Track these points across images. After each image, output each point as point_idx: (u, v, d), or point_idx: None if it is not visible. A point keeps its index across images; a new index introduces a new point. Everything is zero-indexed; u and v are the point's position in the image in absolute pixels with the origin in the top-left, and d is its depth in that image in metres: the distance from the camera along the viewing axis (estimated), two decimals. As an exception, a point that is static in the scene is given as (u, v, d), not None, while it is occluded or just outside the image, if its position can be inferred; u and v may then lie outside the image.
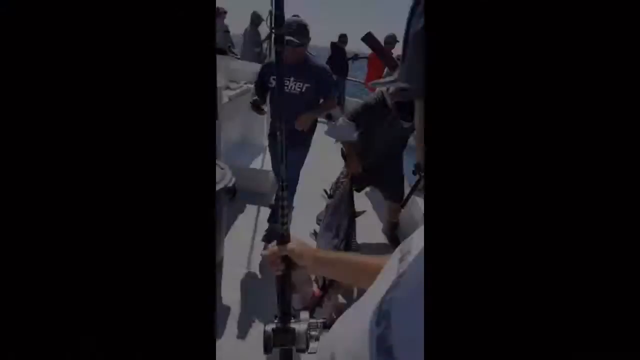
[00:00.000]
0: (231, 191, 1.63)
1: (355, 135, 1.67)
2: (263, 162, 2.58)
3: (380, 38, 3.03)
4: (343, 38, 4.47)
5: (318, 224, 1.84)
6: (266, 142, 3.15)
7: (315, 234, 1.81)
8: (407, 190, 1.95)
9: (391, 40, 3.48)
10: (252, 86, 2.71)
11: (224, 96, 2.26)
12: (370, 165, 1.78)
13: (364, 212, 1.77)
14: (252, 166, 2.52)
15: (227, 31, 5.18)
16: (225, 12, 5.18)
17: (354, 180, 1.66)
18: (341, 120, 1.71)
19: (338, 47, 4.43)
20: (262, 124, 3.23)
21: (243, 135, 2.91)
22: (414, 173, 1.87)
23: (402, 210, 2.03)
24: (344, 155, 1.76)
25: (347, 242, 1.62)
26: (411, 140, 1.92)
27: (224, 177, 1.59)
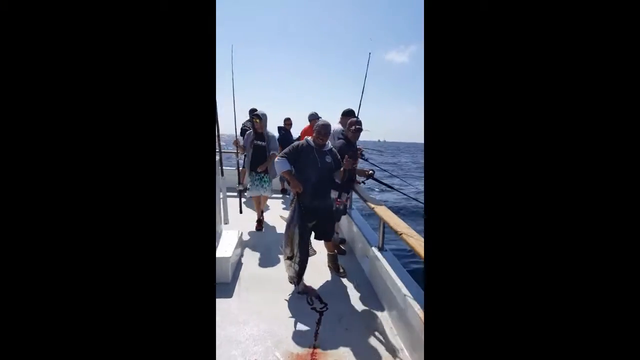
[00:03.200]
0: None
1: (289, 166, 2.36)
2: (230, 248, 2.54)
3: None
4: (288, 121, 4.93)
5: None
6: (222, 228, 3.17)
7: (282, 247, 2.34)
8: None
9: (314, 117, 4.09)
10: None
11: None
12: (308, 203, 2.32)
13: (314, 223, 2.35)
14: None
15: None
16: None
17: (299, 197, 2.28)
18: (277, 158, 2.39)
19: (286, 129, 4.87)
20: (221, 212, 3.25)
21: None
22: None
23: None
24: (288, 183, 2.43)
25: (302, 254, 2.21)
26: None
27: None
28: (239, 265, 2.75)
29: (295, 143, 2.43)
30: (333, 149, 2.49)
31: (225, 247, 2.56)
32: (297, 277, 2.23)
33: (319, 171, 2.35)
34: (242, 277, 2.58)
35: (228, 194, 2.91)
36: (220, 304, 2.19)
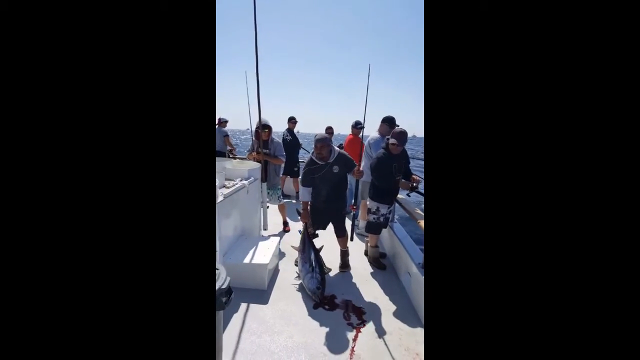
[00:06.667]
0: (227, 293, 1.58)
1: (309, 196, 2.62)
2: (255, 253, 2.54)
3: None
4: (330, 129, 4.90)
5: (297, 265, 2.75)
6: (261, 233, 3.20)
7: (298, 275, 2.63)
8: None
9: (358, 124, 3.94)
10: (246, 182, 2.85)
11: (220, 195, 2.35)
12: (321, 210, 2.66)
13: (322, 247, 2.68)
14: (246, 261, 2.47)
15: (227, 135, 5.67)
16: (226, 121, 5.76)
17: (308, 226, 2.66)
18: (300, 187, 2.64)
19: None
20: (259, 217, 3.29)
21: (240, 231, 2.92)
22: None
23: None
24: (299, 213, 2.78)
25: (320, 267, 2.46)
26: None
27: (218, 278, 1.55)
28: (276, 272, 2.74)
29: (306, 167, 2.55)
30: (341, 152, 2.54)
31: (263, 254, 2.56)
32: (322, 287, 2.35)
33: (329, 183, 2.54)
34: (278, 284, 2.55)
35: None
36: (256, 311, 2.18)
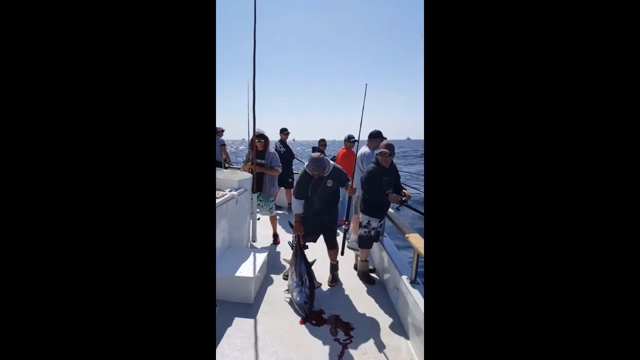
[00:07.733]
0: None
1: (302, 209, 2.63)
2: (241, 265, 2.49)
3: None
4: (322, 142, 4.93)
5: (285, 279, 2.77)
6: (250, 245, 3.15)
7: (287, 289, 2.54)
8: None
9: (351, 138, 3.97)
10: (235, 193, 2.82)
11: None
12: (313, 221, 2.66)
13: (314, 260, 2.72)
14: (232, 274, 2.41)
15: (224, 144, 5.68)
16: (222, 131, 5.78)
17: (301, 238, 2.66)
18: (293, 199, 2.66)
19: (320, 150, 4.87)
20: (248, 229, 3.24)
21: (228, 242, 2.87)
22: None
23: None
24: (291, 225, 2.79)
25: (310, 280, 2.46)
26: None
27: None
28: (264, 285, 2.68)
29: (300, 179, 2.58)
30: (335, 166, 2.58)
31: (250, 266, 2.51)
32: (310, 301, 2.31)
33: (322, 196, 2.57)
34: (267, 298, 2.49)
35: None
36: (242, 325, 2.11)
